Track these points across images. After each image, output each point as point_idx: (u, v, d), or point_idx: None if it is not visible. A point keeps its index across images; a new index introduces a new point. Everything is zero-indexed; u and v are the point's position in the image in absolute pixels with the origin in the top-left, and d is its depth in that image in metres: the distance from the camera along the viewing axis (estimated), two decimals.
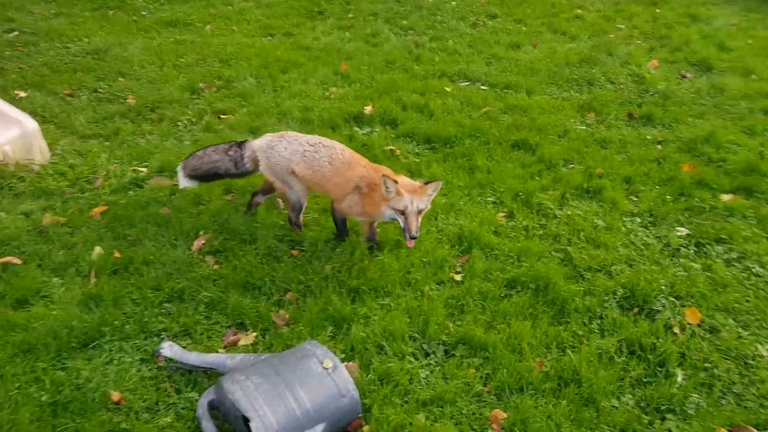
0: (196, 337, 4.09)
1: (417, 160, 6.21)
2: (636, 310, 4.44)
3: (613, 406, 3.69)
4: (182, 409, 3.61)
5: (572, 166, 6.26)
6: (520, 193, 5.71)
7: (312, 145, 4.66)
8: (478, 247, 4.96)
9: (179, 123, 6.90)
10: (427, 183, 4.28)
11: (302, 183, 4.72)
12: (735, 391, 3.84)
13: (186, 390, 3.72)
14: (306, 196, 4.85)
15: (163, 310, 4.29)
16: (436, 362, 4.00)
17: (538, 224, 5.34)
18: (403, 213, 4.19)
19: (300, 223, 5.03)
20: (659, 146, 6.66)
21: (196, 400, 3.62)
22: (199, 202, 5.39)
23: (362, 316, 4.26)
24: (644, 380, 3.89)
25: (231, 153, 4.87)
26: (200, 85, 7.72)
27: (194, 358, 3.83)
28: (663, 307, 4.44)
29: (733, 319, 4.38)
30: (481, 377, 3.89)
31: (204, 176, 5.02)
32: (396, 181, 4.18)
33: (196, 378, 3.79)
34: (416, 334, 4.17)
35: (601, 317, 4.37)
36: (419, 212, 4.21)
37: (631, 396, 3.78)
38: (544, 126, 6.92)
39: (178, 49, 8.75)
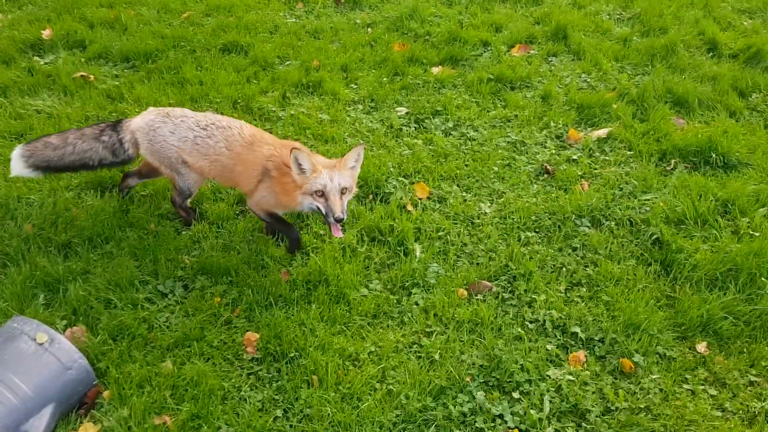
0: None
1: (116, 83, 5.48)
2: (370, 197, 4.46)
3: (363, 296, 3.71)
4: None
5: (288, 63, 6.02)
6: (239, 101, 5.35)
7: (204, 128, 3.76)
8: None
9: None
10: (344, 155, 3.52)
11: (197, 174, 3.88)
12: (467, 251, 4.08)
13: None
14: (199, 184, 4.03)
15: None
16: (176, 301, 3.65)
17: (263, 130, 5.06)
18: (322, 194, 3.44)
19: (186, 207, 4.12)
20: (369, 29, 6.67)
21: None
22: None
23: (79, 273, 3.71)
24: (388, 263, 3.96)
25: (105, 138, 3.81)
26: None
27: None
28: (394, 188, 4.52)
29: (457, 185, 4.62)
30: (228, 303, 3.64)
31: (63, 169, 3.90)
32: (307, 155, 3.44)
33: None
34: (148, 277, 3.75)
35: None
36: (342, 191, 3.46)
37: (378, 281, 3.82)
38: (253, 24, 6.51)
39: None
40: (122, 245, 3.91)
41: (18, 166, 3.76)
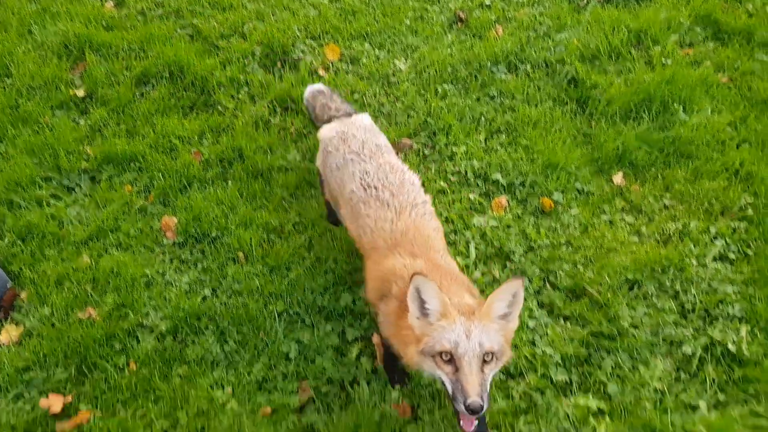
0: None
1: None
2: (279, 64, 4.23)
3: (286, 169, 3.59)
4: None
5: None
6: None
7: (376, 165, 2.76)
8: (91, 50, 4.19)
9: None
10: (491, 296, 2.12)
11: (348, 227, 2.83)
12: (384, 112, 3.96)
13: None
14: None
15: None
16: (84, 194, 3.47)
17: (153, 4, 4.65)
18: (450, 360, 2.08)
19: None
20: None
21: None
22: None
23: None
24: (304, 131, 3.83)
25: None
26: None
27: None
28: (303, 53, 4.29)
29: (369, 44, 4.41)
30: (140, 191, 3.48)
31: None
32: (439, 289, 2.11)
33: None
34: (50, 173, 3.53)
35: (247, 84, 4.09)
36: (485, 359, 2.08)
37: (296, 151, 3.70)
38: None
39: None
40: (17, 142, 3.63)
41: None
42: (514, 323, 2.18)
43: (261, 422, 2.60)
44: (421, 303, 2.10)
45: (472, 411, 1.97)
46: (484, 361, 2.05)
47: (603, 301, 2.96)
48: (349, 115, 3.17)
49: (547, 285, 3.08)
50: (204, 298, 3.03)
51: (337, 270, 3.11)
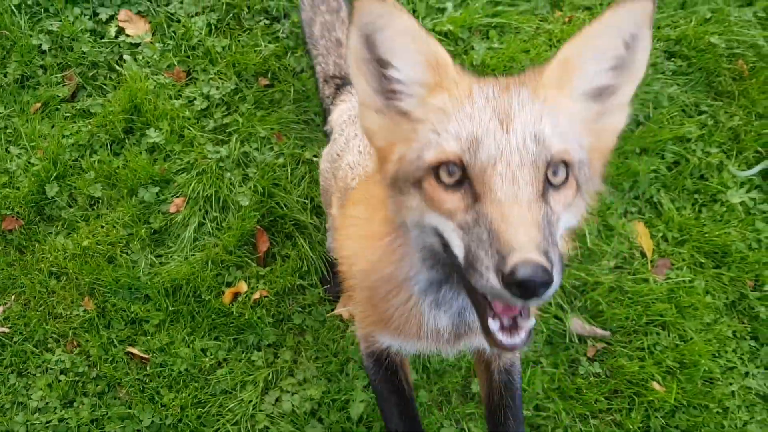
0: None
1: None
2: None
3: None
4: None
5: None
6: None
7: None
8: None
9: None
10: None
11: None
12: None
13: None
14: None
15: None
16: None
17: None
18: (460, 181, 1.03)
19: None
20: None
21: None
22: None
23: None
24: None
25: None
26: None
27: None
28: None
29: None
30: None
31: None
32: None
33: None
34: None
35: None
36: (549, 173, 1.02)
37: None
38: None
39: None
40: None
41: None
42: (623, 114, 1.14)
43: (34, 118, 2.59)
44: (379, 66, 1.11)
45: (523, 284, 0.90)
46: (548, 182, 1.02)
47: None
48: None
49: None
50: None
51: None
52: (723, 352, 2.34)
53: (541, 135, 0.99)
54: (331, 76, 2.31)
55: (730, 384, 2.28)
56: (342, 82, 2.28)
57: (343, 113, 2.11)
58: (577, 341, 2.32)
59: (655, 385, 2.25)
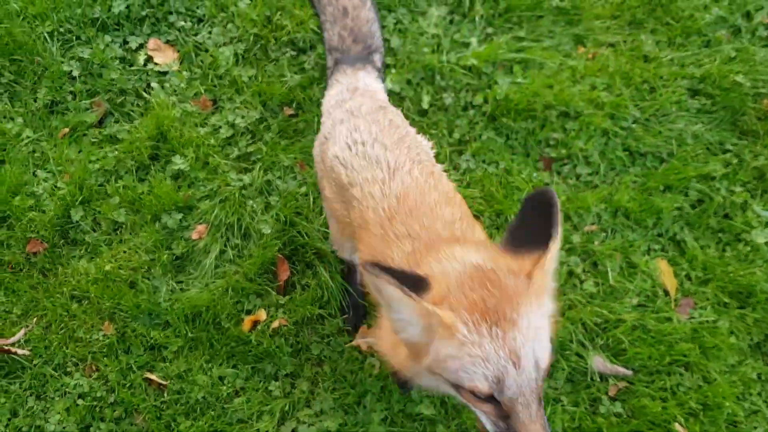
0: None
1: None
2: None
3: None
4: None
5: None
6: None
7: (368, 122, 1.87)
8: None
9: None
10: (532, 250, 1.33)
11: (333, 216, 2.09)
12: None
13: None
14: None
15: None
16: None
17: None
18: (490, 399, 1.31)
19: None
20: None
21: None
22: None
23: None
24: None
25: None
26: None
27: None
28: None
29: None
30: None
31: None
32: (424, 281, 1.30)
33: None
34: None
35: None
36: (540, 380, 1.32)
37: None
38: None
39: None
40: None
41: None
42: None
43: (62, 143, 2.64)
44: (378, 292, 1.29)
45: None
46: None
47: None
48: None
49: None
50: None
51: None
52: (748, 395, 2.29)
53: (539, 361, 1.25)
54: (334, 47, 2.26)
55: (755, 428, 2.23)
56: (341, 57, 2.23)
57: (332, 98, 2.11)
58: (598, 379, 2.28)
59: (678, 427, 2.21)
